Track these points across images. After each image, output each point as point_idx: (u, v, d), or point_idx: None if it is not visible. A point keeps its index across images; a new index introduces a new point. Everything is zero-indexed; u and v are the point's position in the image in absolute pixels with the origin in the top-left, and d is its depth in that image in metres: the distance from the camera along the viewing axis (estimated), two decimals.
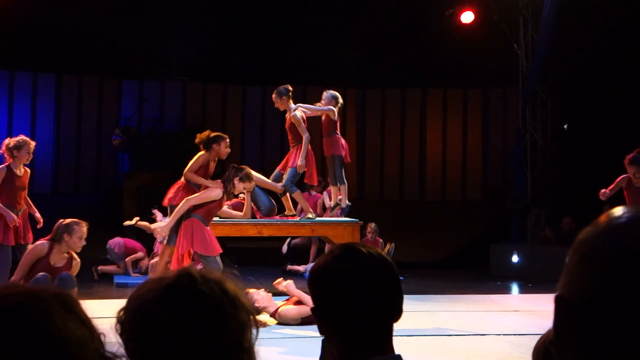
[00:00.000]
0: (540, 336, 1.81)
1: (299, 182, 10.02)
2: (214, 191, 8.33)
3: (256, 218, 9.65)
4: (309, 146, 9.53)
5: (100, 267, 11.47)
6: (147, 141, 16.30)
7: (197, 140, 8.80)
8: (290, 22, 16.35)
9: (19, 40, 15.37)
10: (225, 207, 9.48)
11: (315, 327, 1.81)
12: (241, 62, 16.87)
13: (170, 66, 16.87)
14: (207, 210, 8.36)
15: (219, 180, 8.45)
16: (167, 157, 15.43)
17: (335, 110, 9.70)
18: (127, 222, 11.48)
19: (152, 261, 11.17)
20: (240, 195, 9.58)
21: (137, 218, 11.45)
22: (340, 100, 9.88)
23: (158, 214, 11.71)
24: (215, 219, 9.58)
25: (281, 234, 9.88)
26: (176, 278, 1.34)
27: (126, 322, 1.31)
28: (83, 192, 16.85)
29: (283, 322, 7.78)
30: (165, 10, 15.74)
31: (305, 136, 9.45)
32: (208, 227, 8.37)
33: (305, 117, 9.56)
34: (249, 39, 16.44)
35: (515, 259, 12.94)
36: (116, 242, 11.61)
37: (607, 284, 0.96)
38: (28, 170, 8.87)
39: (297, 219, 9.89)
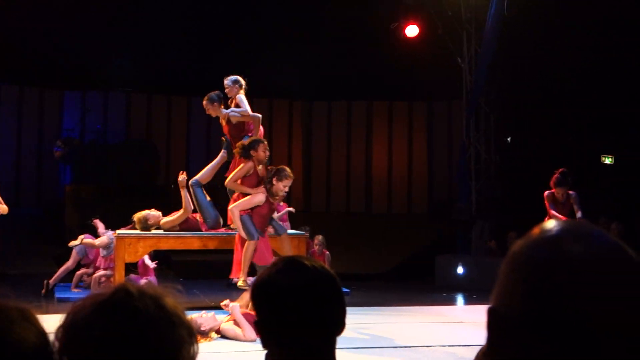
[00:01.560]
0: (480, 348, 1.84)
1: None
2: (257, 197, 8.44)
3: (201, 230, 9.59)
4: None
5: (51, 280, 11.20)
6: (89, 153, 16.10)
7: (237, 155, 8.77)
8: (236, 33, 16.34)
9: None
10: (167, 219, 9.45)
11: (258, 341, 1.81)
12: (186, 72, 16.79)
13: (113, 77, 16.71)
14: (258, 218, 8.50)
15: (262, 186, 8.51)
16: (111, 169, 15.29)
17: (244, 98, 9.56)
18: (73, 243, 11.26)
19: (95, 275, 11.01)
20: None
21: (82, 236, 11.25)
22: (244, 84, 9.69)
23: (100, 224, 11.51)
24: (158, 231, 9.50)
25: (226, 247, 9.81)
26: (112, 293, 1.32)
27: (61, 339, 1.30)
28: (24, 204, 16.54)
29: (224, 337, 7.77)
30: (109, 20, 15.59)
31: (257, 116, 9.45)
32: (263, 236, 8.54)
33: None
34: (193, 50, 16.39)
35: (460, 270, 13.09)
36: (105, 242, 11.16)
37: (536, 295, 0.99)
38: None
39: None
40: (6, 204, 9.09)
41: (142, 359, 1.27)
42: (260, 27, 16.16)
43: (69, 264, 11.35)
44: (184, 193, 9.37)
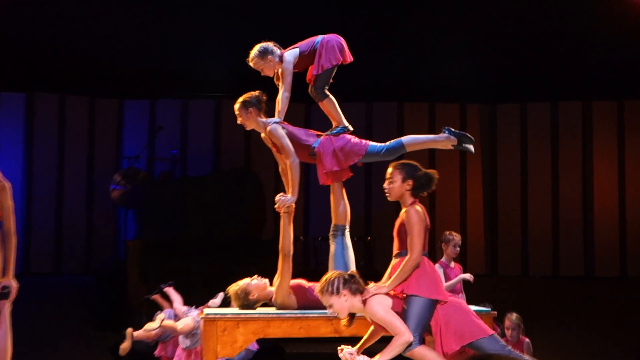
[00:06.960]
0: None
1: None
2: None
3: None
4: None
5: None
6: (162, 191, 16.51)
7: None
8: (400, 37, 17.31)
9: None
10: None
11: None
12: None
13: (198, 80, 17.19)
14: None
15: None
16: (193, 216, 15.60)
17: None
18: (149, 325, 11.21)
19: None
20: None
21: (161, 315, 11.29)
22: (276, 48, 9.79)
23: (176, 297, 11.52)
24: (267, 310, 9.55)
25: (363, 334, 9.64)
26: None
27: None
28: (65, 270, 17.10)
29: None
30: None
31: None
32: None
33: None
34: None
35: None
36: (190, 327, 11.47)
37: None
38: None
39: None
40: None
41: None
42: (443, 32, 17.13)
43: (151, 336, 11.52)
44: (283, 224, 9.24)
